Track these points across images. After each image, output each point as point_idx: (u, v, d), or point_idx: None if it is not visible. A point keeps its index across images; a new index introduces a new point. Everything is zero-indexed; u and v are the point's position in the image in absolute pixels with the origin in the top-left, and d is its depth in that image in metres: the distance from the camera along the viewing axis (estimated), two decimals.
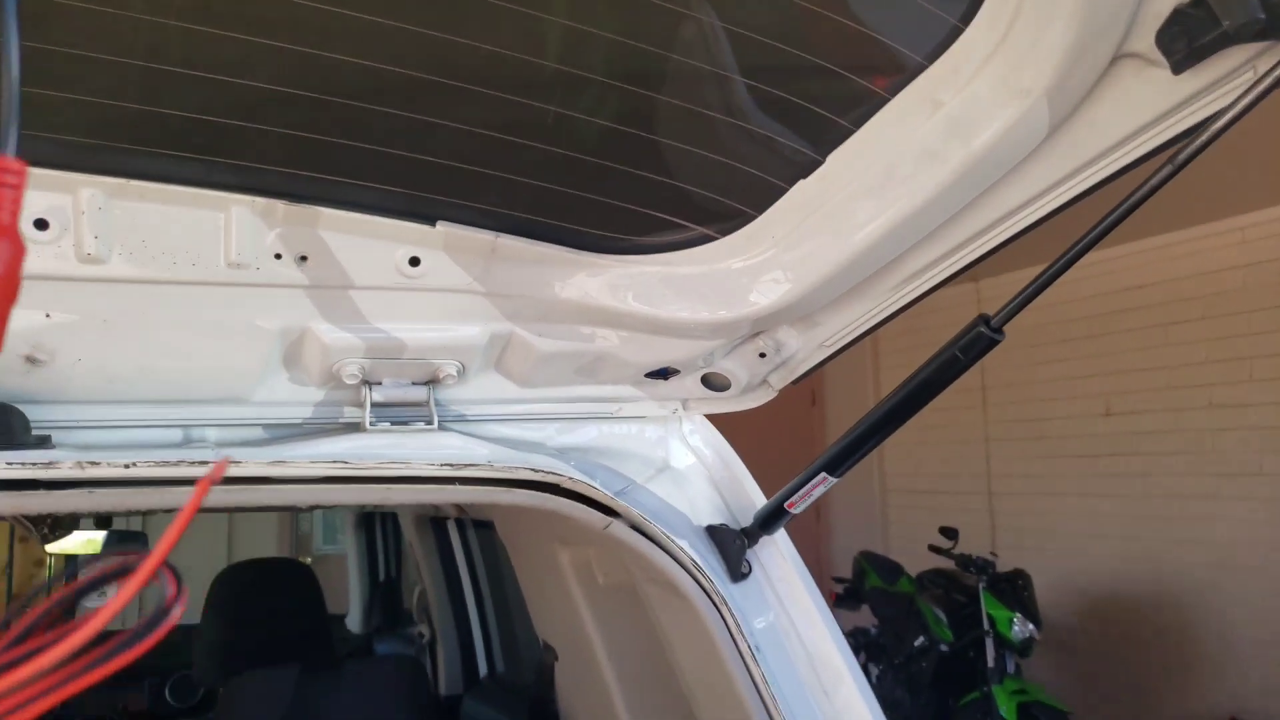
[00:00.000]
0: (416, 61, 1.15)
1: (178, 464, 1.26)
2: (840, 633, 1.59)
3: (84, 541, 4.36)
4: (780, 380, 1.61)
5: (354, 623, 4.89)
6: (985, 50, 1.13)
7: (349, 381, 1.41)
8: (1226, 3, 0.98)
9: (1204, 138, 1.07)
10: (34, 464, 1.19)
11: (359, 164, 1.23)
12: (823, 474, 1.43)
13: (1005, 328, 1.26)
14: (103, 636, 0.59)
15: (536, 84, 1.21)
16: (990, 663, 5.77)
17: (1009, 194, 1.25)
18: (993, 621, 5.88)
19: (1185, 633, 6.55)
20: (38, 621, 0.59)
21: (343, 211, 1.24)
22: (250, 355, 1.37)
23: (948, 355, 1.28)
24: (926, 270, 1.37)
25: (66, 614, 0.61)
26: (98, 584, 0.61)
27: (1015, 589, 6.09)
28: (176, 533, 0.59)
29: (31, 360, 1.27)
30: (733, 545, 1.56)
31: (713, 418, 1.73)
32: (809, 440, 9.29)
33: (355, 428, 1.43)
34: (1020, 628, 5.85)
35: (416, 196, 1.28)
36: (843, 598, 7.08)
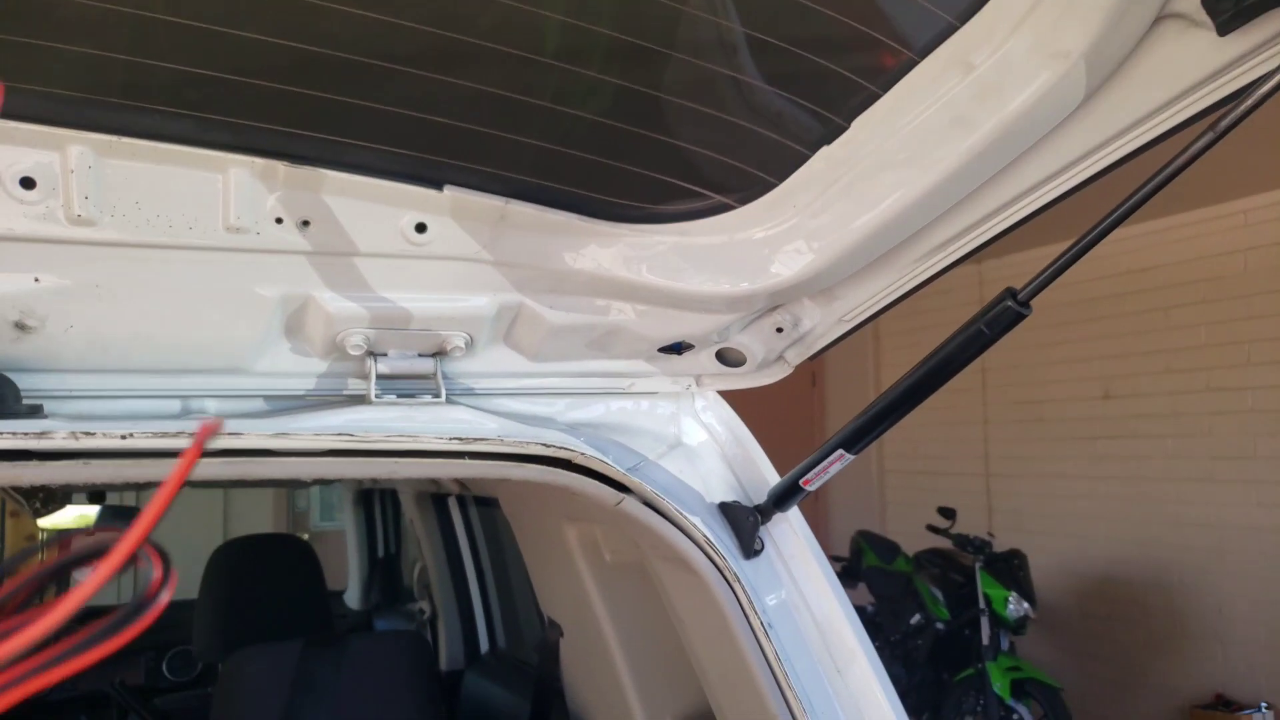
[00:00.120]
0: (425, 17, 1.10)
1: (176, 435, 1.22)
2: (853, 610, 1.56)
3: (76, 517, 4.33)
4: (797, 356, 1.56)
5: (353, 599, 4.87)
6: (1021, 10, 1.08)
7: (353, 352, 1.37)
8: None
9: (1249, 103, 1.02)
10: (26, 434, 1.15)
11: (364, 124, 1.18)
12: (840, 450, 1.39)
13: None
14: (90, 617, 0.55)
15: (550, 43, 1.15)
16: (985, 640, 5.81)
17: (1041, 162, 1.20)
18: (988, 600, 5.92)
19: (1176, 613, 6.58)
20: (4, 600, 0.54)
21: (347, 174, 1.19)
22: (250, 324, 1.33)
23: (973, 330, 1.24)
24: (953, 242, 1.32)
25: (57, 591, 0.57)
26: (70, 565, 0.56)
27: (1011, 568, 6.13)
28: (161, 506, 0.54)
29: (21, 326, 1.23)
30: (745, 522, 1.52)
31: None
32: (809, 421, 9.28)
33: (360, 400, 1.39)
34: (1015, 606, 5.90)
35: (423, 159, 1.23)
36: (840, 576, 7.07)
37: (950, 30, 1.13)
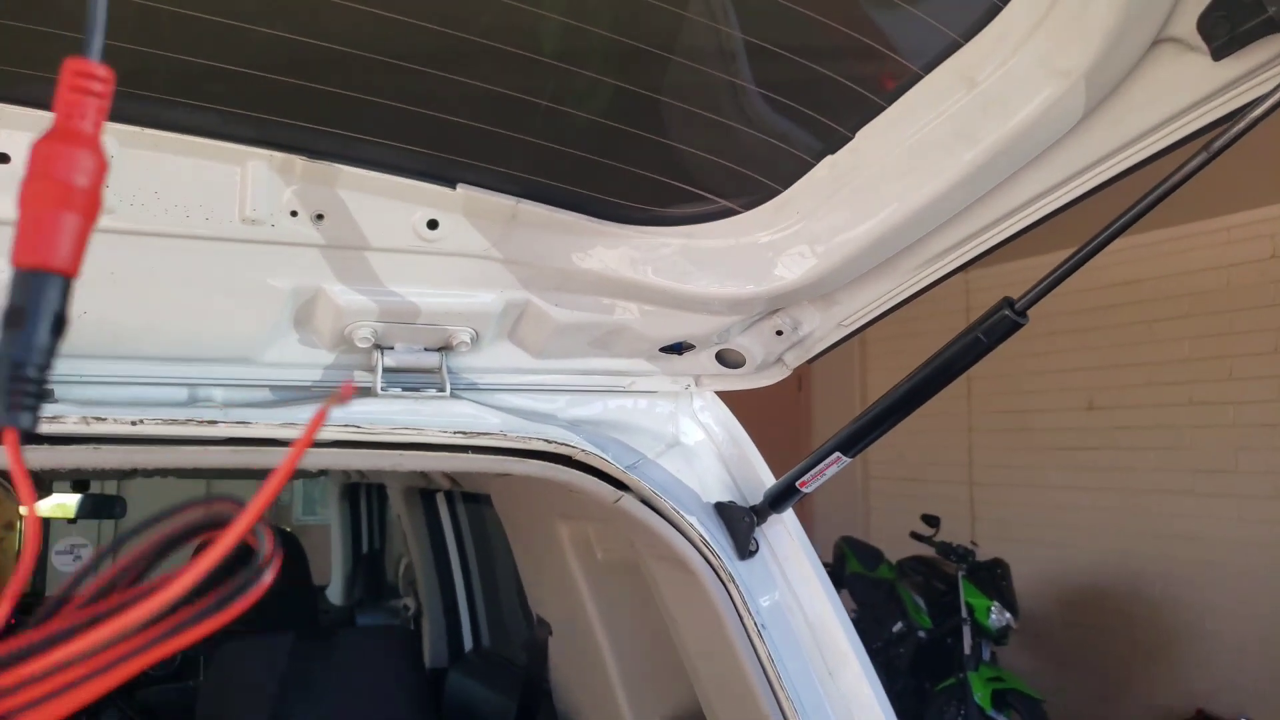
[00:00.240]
0: (444, 19, 1.12)
1: (186, 423, 1.24)
2: (845, 614, 1.59)
3: (55, 505, 4.31)
4: (795, 359, 1.59)
5: (335, 594, 4.87)
6: (1025, 29, 1.12)
7: (361, 345, 1.39)
8: None
9: (1241, 125, 1.06)
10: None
11: (381, 122, 1.20)
12: (837, 454, 1.42)
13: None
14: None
15: (565, 47, 1.18)
16: (967, 650, 5.83)
17: (1039, 177, 1.24)
18: (971, 609, 5.94)
19: (1158, 626, 6.64)
20: (118, 578, 0.56)
21: (363, 170, 1.21)
22: (261, 315, 1.34)
23: (970, 338, 1.27)
24: (950, 252, 1.35)
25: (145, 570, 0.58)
26: (184, 537, 0.58)
27: (994, 578, 6.16)
28: (289, 468, 0.55)
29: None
30: (741, 523, 1.55)
31: None
32: (795, 424, 9.33)
33: (366, 392, 1.41)
34: (997, 616, 5.92)
35: (438, 158, 1.25)
36: None
37: (955, 47, 1.16)
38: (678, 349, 1.57)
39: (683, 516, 1.49)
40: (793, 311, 1.50)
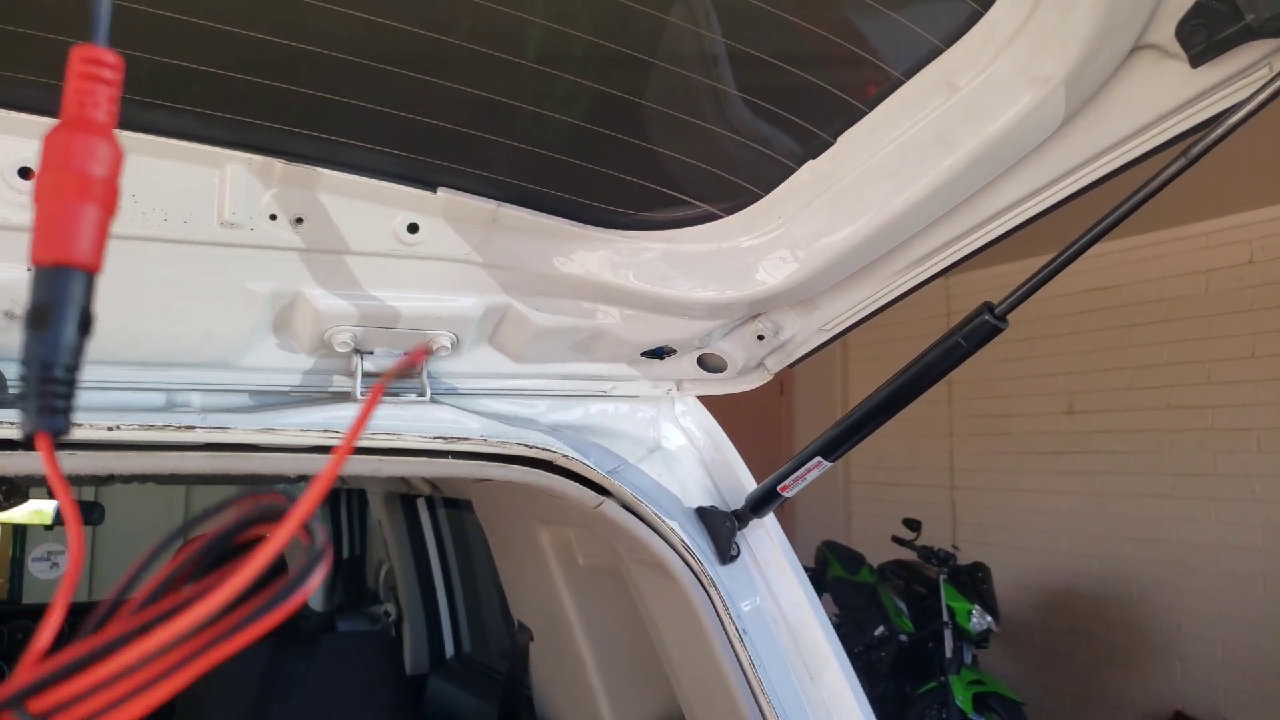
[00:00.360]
0: (425, 21, 1.12)
1: (163, 428, 1.23)
2: (826, 618, 1.59)
3: (32, 511, 4.26)
4: (777, 363, 1.59)
5: (316, 600, 4.83)
6: (1005, 35, 1.12)
7: (340, 350, 1.38)
8: None
9: (1219, 131, 1.07)
10: (11, 423, 1.15)
11: (362, 125, 1.19)
12: (818, 458, 1.42)
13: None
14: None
15: (547, 51, 1.18)
16: (948, 653, 5.86)
17: (1019, 182, 1.25)
18: (952, 613, 5.97)
19: (1137, 629, 6.69)
20: (174, 575, 0.54)
21: (342, 173, 1.20)
22: (239, 319, 1.33)
23: (950, 342, 1.28)
24: (931, 256, 1.36)
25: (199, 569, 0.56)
26: (234, 534, 0.56)
27: (975, 581, 6.19)
28: (342, 457, 0.54)
29: (9, 316, 1.22)
30: (722, 527, 1.55)
31: None
32: (776, 429, 9.34)
33: (345, 397, 1.40)
34: (979, 620, 5.95)
35: (419, 161, 1.24)
36: None
37: (936, 53, 1.17)
38: (659, 354, 1.57)
39: (664, 521, 1.48)
40: (774, 316, 1.50)
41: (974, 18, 1.14)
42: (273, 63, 1.10)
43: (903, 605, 6.42)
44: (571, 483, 1.46)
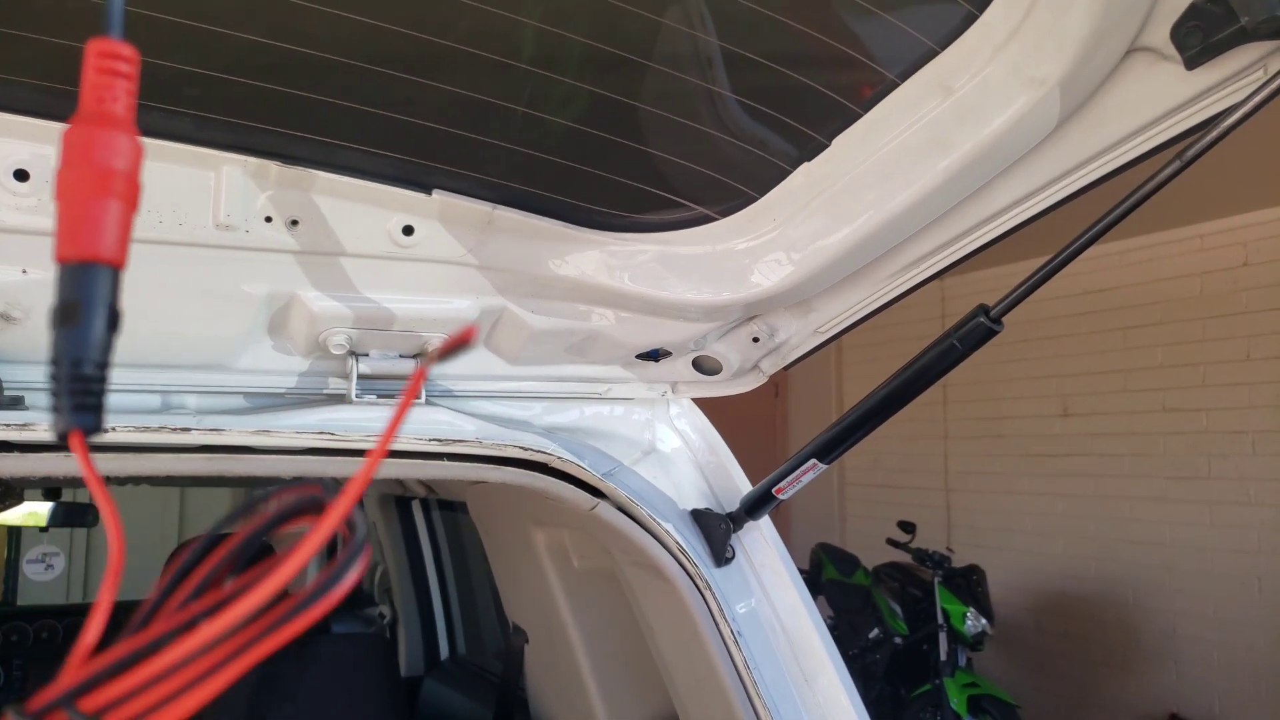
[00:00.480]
0: (420, 24, 1.12)
1: (159, 430, 1.22)
2: (822, 620, 1.59)
3: (27, 513, 4.25)
4: (772, 366, 1.59)
5: None
6: (1000, 37, 1.12)
7: (335, 352, 1.38)
8: None
9: (1213, 134, 1.07)
10: (7, 425, 1.15)
11: (357, 127, 1.19)
12: (813, 460, 1.42)
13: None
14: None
15: (543, 54, 1.18)
16: (943, 656, 5.85)
17: (1015, 184, 1.25)
18: (947, 615, 5.96)
19: (1131, 631, 6.69)
20: (216, 570, 0.53)
21: (338, 175, 1.20)
22: (234, 321, 1.33)
23: (946, 344, 1.28)
24: (925, 259, 1.36)
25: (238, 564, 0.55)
26: (275, 525, 0.55)
27: (969, 584, 6.18)
28: (383, 448, 0.53)
29: (6, 318, 1.22)
30: (717, 530, 1.55)
31: None
32: (771, 431, 9.35)
33: (340, 399, 1.40)
34: (973, 622, 5.94)
35: (414, 163, 1.24)
36: None
37: (931, 55, 1.17)
38: (654, 356, 1.57)
39: (659, 524, 1.48)
40: (769, 318, 1.51)
41: (969, 20, 1.14)
42: (268, 65, 1.10)
43: (897, 608, 6.42)
44: (566, 485, 1.46)
